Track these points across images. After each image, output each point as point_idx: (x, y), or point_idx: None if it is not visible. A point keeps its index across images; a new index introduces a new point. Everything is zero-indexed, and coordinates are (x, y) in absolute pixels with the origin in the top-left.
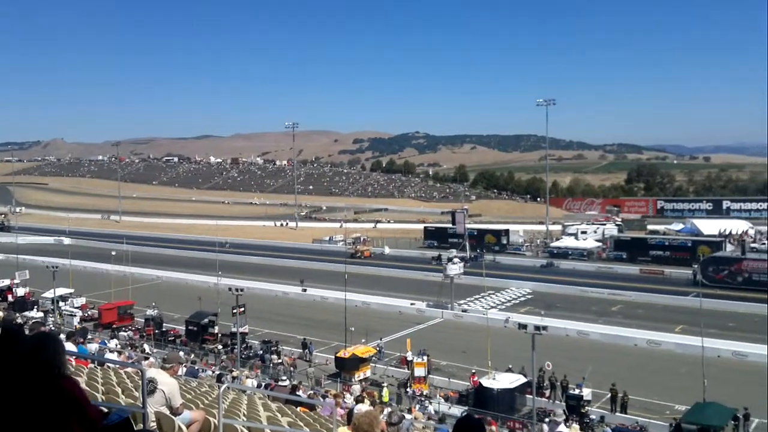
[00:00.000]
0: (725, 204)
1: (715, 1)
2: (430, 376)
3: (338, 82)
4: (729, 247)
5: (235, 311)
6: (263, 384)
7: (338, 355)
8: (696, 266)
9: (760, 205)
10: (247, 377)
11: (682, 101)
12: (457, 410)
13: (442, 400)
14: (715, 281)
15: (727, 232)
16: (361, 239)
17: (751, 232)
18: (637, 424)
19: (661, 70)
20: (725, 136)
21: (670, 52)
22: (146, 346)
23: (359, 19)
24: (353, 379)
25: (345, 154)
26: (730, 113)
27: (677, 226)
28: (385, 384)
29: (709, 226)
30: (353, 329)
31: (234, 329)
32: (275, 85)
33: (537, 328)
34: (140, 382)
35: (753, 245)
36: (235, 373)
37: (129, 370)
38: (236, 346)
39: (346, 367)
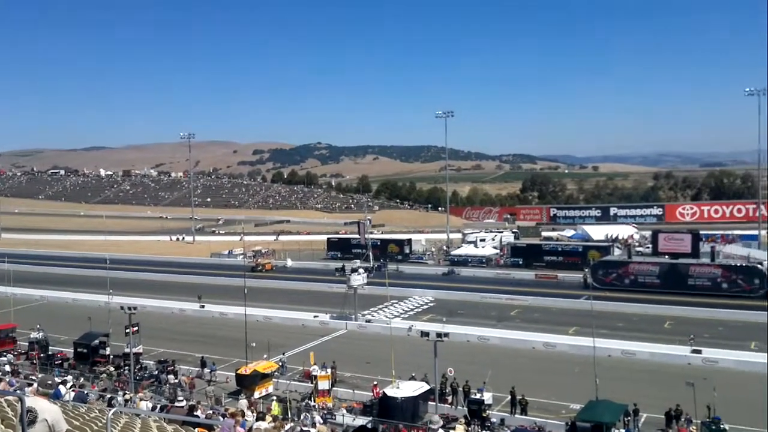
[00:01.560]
0: (612, 210)
1: (599, 18)
2: (334, 388)
3: (237, 91)
4: (617, 252)
5: (127, 331)
6: (158, 406)
7: (239, 371)
8: (587, 270)
9: (644, 211)
10: (141, 399)
11: (572, 113)
12: (362, 421)
13: (345, 411)
14: (604, 284)
15: (614, 237)
16: (262, 252)
17: (636, 236)
18: (535, 425)
19: (552, 85)
20: (611, 147)
21: (559, 68)
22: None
23: (257, 27)
24: (255, 396)
25: (245, 165)
26: (615, 125)
27: (569, 232)
28: (274, 398)
29: (598, 232)
30: (254, 345)
31: (127, 350)
32: (170, 95)
33: (439, 335)
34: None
35: (638, 249)
36: (127, 396)
37: (10, 398)
38: (129, 368)
39: (247, 383)
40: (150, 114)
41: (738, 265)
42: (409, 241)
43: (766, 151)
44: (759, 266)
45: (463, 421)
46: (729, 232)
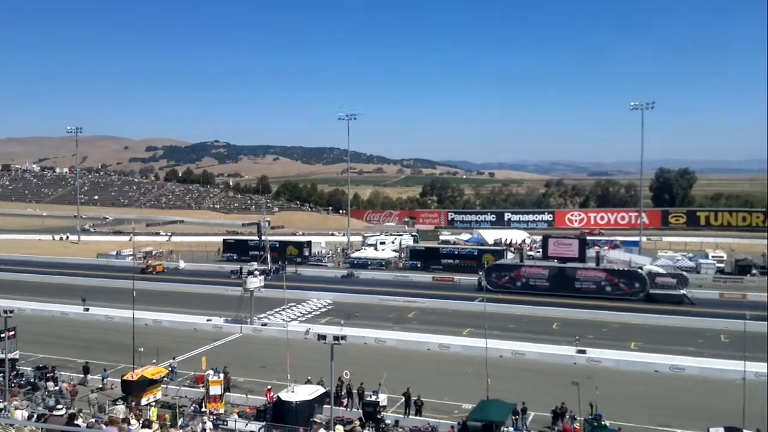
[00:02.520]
0: (507, 216)
1: (497, 26)
2: (227, 393)
3: (129, 84)
4: (510, 256)
5: (2, 335)
6: (36, 415)
7: (125, 378)
8: (481, 273)
9: (536, 217)
10: (16, 408)
11: (470, 121)
12: (255, 427)
13: (238, 417)
14: (497, 287)
15: (507, 242)
16: (153, 253)
17: (528, 241)
18: (429, 426)
19: (451, 93)
20: (506, 154)
21: (457, 77)
22: None
23: (150, 17)
24: (142, 402)
25: (136, 163)
26: (511, 134)
27: (466, 236)
28: (153, 404)
29: (493, 236)
30: (143, 350)
31: (1, 355)
32: (56, 86)
33: (336, 338)
34: None
35: (530, 253)
36: (0, 405)
37: None
38: (4, 375)
39: (134, 390)
40: (33, 105)
41: (621, 269)
42: (309, 243)
43: (655, 162)
44: (639, 271)
45: (357, 423)
46: (613, 238)
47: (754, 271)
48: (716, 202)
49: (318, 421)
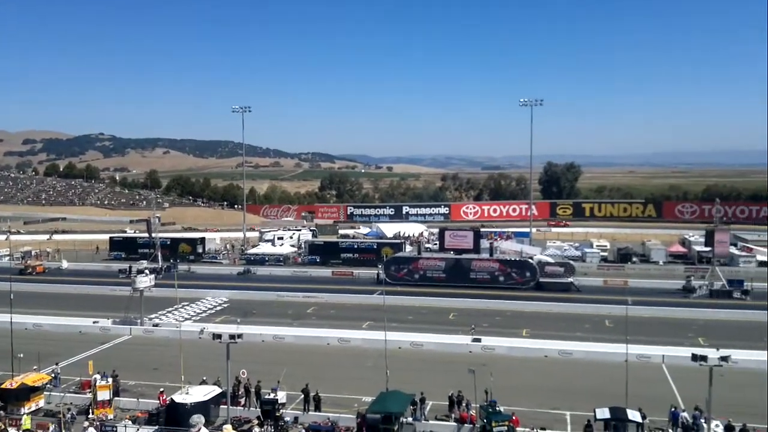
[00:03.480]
0: (405, 209)
1: (391, 23)
2: (116, 398)
3: (1, 73)
4: (408, 248)
5: None
6: None
7: (3, 386)
8: (380, 266)
9: (433, 210)
10: None
11: (369, 116)
12: (147, 431)
13: (129, 422)
14: (396, 279)
15: (406, 235)
16: (33, 253)
17: (426, 234)
18: (328, 420)
19: (349, 87)
20: (405, 149)
21: (353, 72)
22: None
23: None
24: (23, 411)
25: (12, 156)
26: (408, 129)
27: (365, 230)
28: (25, 413)
29: (392, 229)
30: (22, 356)
31: None
32: None
33: (232, 336)
34: None
35: (427, 246)
36: None
37: None
38: None
39: (14, 398)
40: None
41: (513, 259)
42: (203, 240)
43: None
44: (530, 261)
45: (256, 422)
46: (505, 230)
47: (634, 259)
48: (600, 194)
49: (195, 422)
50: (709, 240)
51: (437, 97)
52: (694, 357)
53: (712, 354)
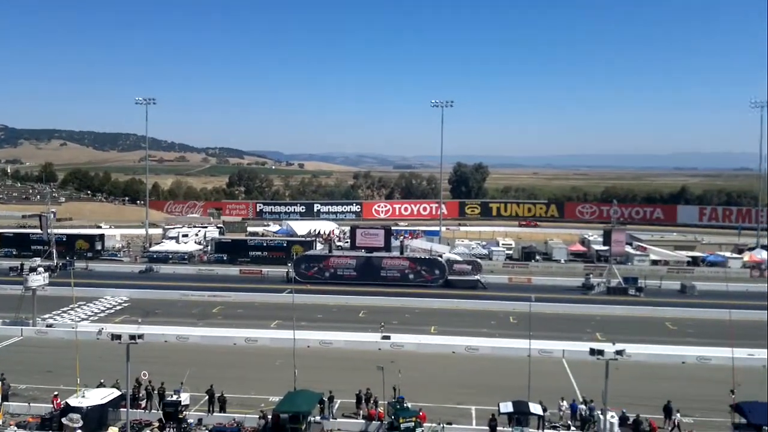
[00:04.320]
0: (316, 207)
1: (297, 21)
2: (5, 403)
3: None
4: (319, 246)
5: None
6: None
7: None
8: (290, 264)
9: (345, 208)
10: None
11: (281, 112)
12: None
13: (16, 428)
14: (306, 277)
15: (317, 232)
16: None
17: (337, 231)
18: (234, 421)
19: (257, 82)
20: (317, 146)
21: (262, 66)
22: None
23: None
24: None
25: None
26: (320, 126)
27: (275, 227)
28: None
29: (303, 227)
30: None
31: None
32: None
33: (132, 337)
34: None
35: (339, 244)
36: None
37: None
38: None
39: None
40: None
41: (422, 257)
42: (102, 236)
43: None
44: (439, 259)
45: (156, 425)
46: (416, 228)
47: (537, 257)
48: (506, 194)
49: (72, 419)
50: (606, 239)
51: (351, 95)
52: (592, 351)
53: (609, 348)
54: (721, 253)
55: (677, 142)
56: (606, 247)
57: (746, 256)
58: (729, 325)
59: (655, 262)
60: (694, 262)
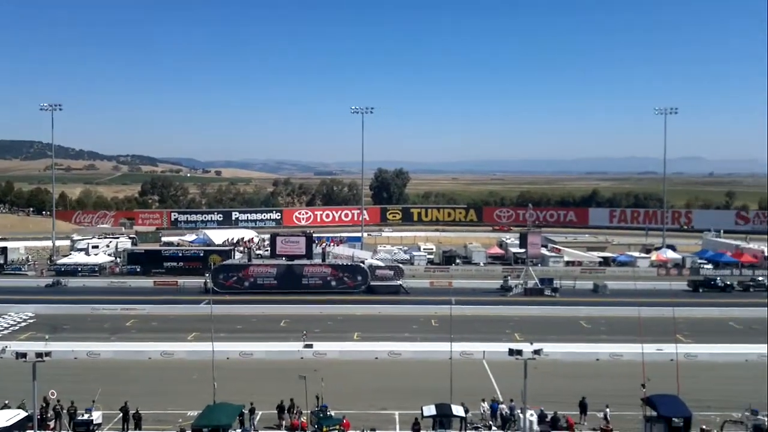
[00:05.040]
0: (234, 215)
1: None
2: None
3: None
4: (238, 255)
5: None
6: None
7: None
8: (207, 275)
9: (264, 216)
10: None
11: (196, 119)
12: None
13: None
14: (225, 288)
15: (235, 241)
16: None
17: (257, 239)
18: None
19: (171, 85)
20: (235, 153)
21: (164, 72)
22: None
23: None
24: None
25: None
26: (238, 132)
27: (191, 237)
28: None
29: (221, 236)
30: None
31: None
32: None
33: (38, 355)
34: None
35: (258, 252)
36: None
37: None
38: None
39: None
40: None
41: (344, 264)
42: (4, 249)
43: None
44: (361, 264)
45: None
46: (338, 235)
47: (457, 261)
48: (426, 199)
49: None
50: (523, 242)
51: (269, 101)
52: (511, 351)
53: (527, 348)
54: (630, 254)
55: (588, 148)
56: (522, 250)
57: (653, 256)
58: (638, 322)
59: (569, 263)
60: (606, 262)
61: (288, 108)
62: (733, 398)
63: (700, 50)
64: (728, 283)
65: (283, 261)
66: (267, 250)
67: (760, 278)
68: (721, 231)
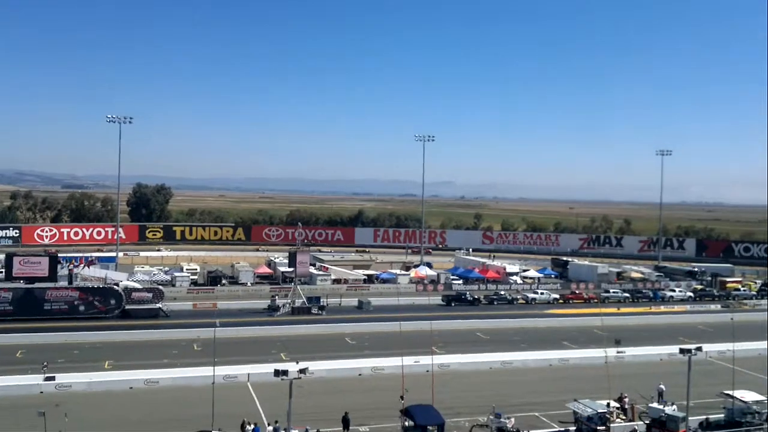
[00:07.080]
0: None
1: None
2: None
3: None
4: None
5: None
6: None
7: None
8: None
9: (0, 233)
10: None
11: None
12: None
13: None
14: None
15: None
16: None
17: None
18: None
19: None
20: None
21: None
22: None
23: None
24: None
25: None
26: None
27: None
28: None
29: None
30: None
31: None
32: None
33: None
34: None
35: None
36: None
37: None
38: None
39: None
40: None
41: (95, 286)
42: None
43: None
44: (115, 287)
45: None
46: (89, 255)
47: (223, 281)
48: (191, 217)
49: None
50: (291, 261)
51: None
52: (276, 372)
53: (292, 368)
54: (392, 271)
55: (352, 170)
56: (291, 269)
57: (412, 273)
58: (399, 336)
59: (336, 281)
60: (370, 279)
61: (30, 110)
62: (480, 403)
63: (452, 87)
64: (476, 297)
65: (20, 284)
66: (1, 272)
67: (502, 292)
68: (470, 249)
